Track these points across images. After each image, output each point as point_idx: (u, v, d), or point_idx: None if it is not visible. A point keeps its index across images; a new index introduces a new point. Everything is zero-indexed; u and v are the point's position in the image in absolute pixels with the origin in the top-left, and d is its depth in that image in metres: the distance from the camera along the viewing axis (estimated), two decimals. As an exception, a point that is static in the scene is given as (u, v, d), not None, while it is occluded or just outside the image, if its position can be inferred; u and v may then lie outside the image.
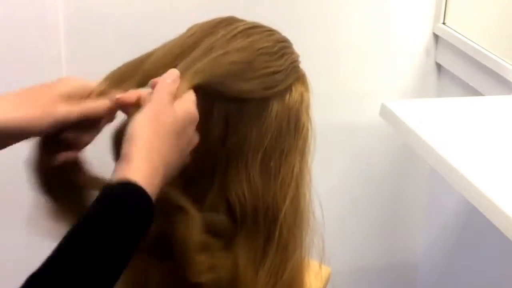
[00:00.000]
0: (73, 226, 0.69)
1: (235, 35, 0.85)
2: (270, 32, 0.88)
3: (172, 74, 0.79)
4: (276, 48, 0.86)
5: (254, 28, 0.87)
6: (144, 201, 0.71)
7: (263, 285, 0.86)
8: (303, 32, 1.67)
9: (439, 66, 1.84)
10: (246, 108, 0.84)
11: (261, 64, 0.84)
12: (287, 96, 0.86)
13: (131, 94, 0.80)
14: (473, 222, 1.79)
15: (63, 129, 0.80)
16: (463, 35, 1.73)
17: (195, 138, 0.80)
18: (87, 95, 0.82)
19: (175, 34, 0.88)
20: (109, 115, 0.82)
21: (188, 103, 0.78)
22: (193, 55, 0.83)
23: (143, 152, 0.73)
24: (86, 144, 0.83)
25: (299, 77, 0.88)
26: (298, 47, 0.91)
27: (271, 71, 0.84)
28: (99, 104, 0.81)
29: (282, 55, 0.86)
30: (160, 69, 0.82)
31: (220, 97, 0.82)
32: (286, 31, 0.90)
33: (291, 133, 0.87)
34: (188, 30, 0.88)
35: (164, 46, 0.86)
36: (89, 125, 0.82)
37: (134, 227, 0.70)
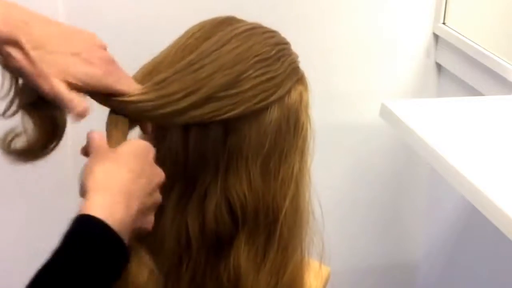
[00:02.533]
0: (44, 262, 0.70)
1: (230, 38, 0.84)
2: (270, 34, 0.87)
3: None
4: (273, 52, 0.85)
5: (254, 30, 0.86)
6: (97, 230, 0.70)
7: (264, 285, 0.86)
8: (302, 32, 1.67)
9: (439, 66, 1.84)
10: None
11: (257, 72, 0.83)
12: (287, 97, 0.86)
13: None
14: (473, 222, 1.79)
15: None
16: (463, 35, 1.73)
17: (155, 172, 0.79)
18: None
19: (176, 34, 0.88)
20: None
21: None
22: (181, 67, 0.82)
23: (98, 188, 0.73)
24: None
25: (298, 78, 0.88)
26: (297, 47, 0.91)
27: (267, 77, 0.84)
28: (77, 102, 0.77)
29: (279, 58, 0.85)
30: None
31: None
32: (285, 31, 0.90)
33: (290, 133, 0.86)
34: (188, 31, 0.88)
35: (169, 50, 0.86)
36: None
37: (92, 253, 0.70)
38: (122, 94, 0.80)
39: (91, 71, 0.78)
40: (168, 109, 0.80)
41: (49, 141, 0.81)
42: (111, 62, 0.80)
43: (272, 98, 0.84)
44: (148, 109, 0.81)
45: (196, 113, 0.81)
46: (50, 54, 0.76)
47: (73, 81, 0.77)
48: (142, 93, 0.81)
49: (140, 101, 0.80)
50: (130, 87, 0.81)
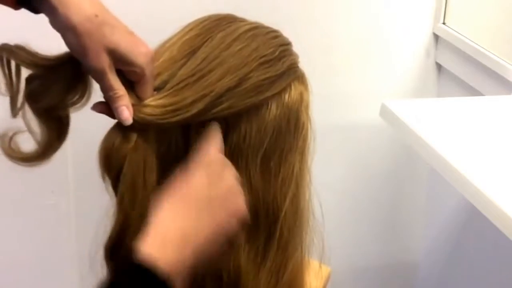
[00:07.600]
0: None
1: (236, 38, 0.84)
2: (274, 34, 0.87)
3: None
4: (276, 53, 0.85)
5: (257, 29, 0.86)
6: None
7: (265, 285, 0.86)
8: (303, 32, 1.67)
9: (439, 66, 1.84)
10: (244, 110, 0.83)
11: (258, 73, 0.83)
12: (286, 96, 0.86)
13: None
14: (473, 222, 1.79)
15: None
16: (463, 35, 1.73)
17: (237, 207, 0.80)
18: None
19: (172, 33, 0.88)
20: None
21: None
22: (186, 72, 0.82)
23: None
24: None
25: (297, 77, 0.88)
26: (297, 46, 0.91)
27: (267, 76, 0.84)
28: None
29: (280, 59, 0.85)
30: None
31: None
32: (286, 31, 0.90)
33: (291, 133, 0.86)
34: (186, 28, 0.87)
35: (167, 48, 0.85)
36: None
37: None
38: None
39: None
40: (181, 115, 0.80)
41: (57, 141, 0.81)
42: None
43: (265, 95, 0.84)
44: (161, 115, 0.80)
45: (201, 115, 0.81)
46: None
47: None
48: (158, 98, 0.80)
49: (157, 106, 0.80)
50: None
